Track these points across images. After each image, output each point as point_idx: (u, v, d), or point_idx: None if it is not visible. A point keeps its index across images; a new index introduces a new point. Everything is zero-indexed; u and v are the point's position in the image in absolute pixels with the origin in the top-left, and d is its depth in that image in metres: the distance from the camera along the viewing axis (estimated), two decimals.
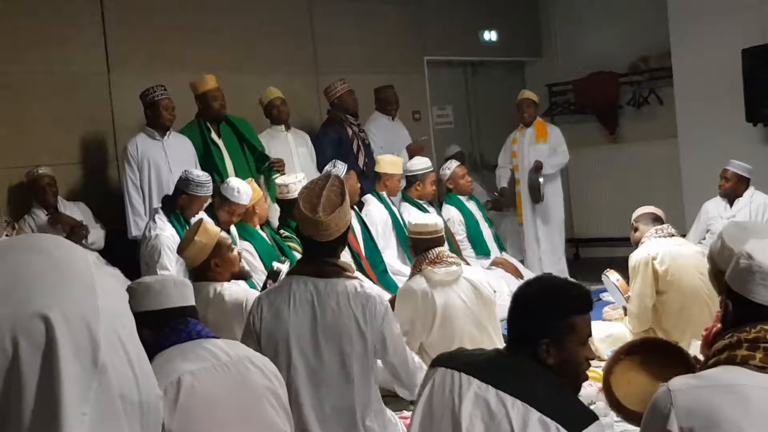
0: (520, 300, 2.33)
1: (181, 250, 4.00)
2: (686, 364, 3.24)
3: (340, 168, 5.87)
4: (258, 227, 5.34)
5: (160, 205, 5.19)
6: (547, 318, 2.23)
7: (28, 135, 5.90)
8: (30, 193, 5.75)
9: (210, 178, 5.13)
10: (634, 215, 4.83)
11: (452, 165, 7.00)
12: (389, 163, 6.42)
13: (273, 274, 4.27)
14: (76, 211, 5.84)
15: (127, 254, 5.64)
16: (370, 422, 3.09)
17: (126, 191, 5.73)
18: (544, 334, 2.20)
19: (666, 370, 3.35)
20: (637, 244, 4.69)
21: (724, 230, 3.62)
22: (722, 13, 7.44)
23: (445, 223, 6.61)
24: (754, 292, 2.03)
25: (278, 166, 6.05)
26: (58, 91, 6.06)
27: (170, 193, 5.38)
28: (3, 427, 1.31)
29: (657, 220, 4.75)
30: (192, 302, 2.60)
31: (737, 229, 3.59)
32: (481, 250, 6.73)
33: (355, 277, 3.25)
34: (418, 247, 4.24)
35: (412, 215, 6.03)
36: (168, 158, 5.73)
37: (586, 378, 2.29)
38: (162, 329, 2.43)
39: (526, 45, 9.84)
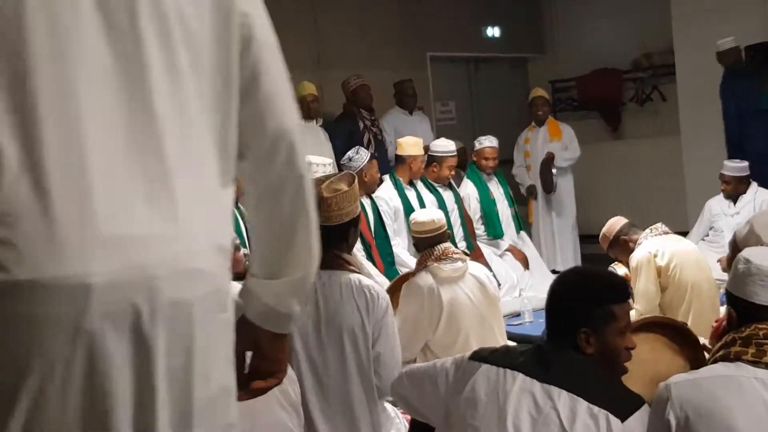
0: (558, 291, 2.34)
1: None
2: (691, 342, 3.26)
3: (363, 155, 5.81)
4: None
5: None
6: (585, 307, 2.24)
7: None
8: None
9: None
10: (614, 232, 4.72)
11: (485, 142, 6.81)
12: (412, 144, 6.26)
13: None
14: None
15: None
16: (371, 415, 3.10)
17: None
18: (582, 323, 2.22)
19: (668, 346, 3.38)
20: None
21: (754, 218, 3.66)
22: (725, 9, 7.44)
23: (461, 201, 6.59)
24: (756, 294, 2.09)
25: None
26: None
27: None
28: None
29: (634, 224, 4.75)
30: None
31: (767, 217, 3.63)
32: (493, 231, 6.61)
33: (359, 272, 3.25)
34: (421, 245, 4.22)
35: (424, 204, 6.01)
36: None
37: (626, 370, 2.31)
38: None
39: (529, 41, 9.84)
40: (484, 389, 2.21)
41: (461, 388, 2.26)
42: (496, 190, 6.79)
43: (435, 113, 8.92)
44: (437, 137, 8.55)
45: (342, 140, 6.65)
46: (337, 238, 3.15)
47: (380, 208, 6.00)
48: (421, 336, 4.06)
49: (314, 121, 6.65)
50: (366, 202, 5.90)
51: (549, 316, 2.35)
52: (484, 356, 2.30)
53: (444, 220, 4.24)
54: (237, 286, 4.05)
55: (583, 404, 2.08)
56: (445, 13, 8.74)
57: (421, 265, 4.13)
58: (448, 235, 4.25)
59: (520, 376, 2.17)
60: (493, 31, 9.34)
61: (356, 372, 3.06)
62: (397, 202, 6.18)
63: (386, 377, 3.11)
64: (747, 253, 2.17)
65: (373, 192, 5.96)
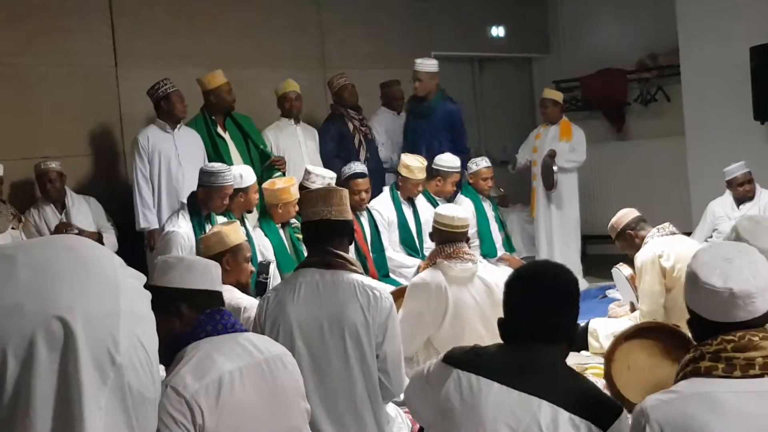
0: (537, 293, 2.23)
1: (202, 236, 4.10)
2: (685, 343, 3.26)
3: (353, 167, 5.85)
4: (279, 225, 5.35)
5: (186, 201, 5.17)
6: (573, 312, 2.24)
7: (35, 127, 5.91)
8: (37, 186, 5.73)
9: (227, 166, 5.13)
10: (622, 225, 4.75)
11: (482, 163, 6.78)
12: (407, 165, 6.17)
13: (262, 267, 4.53)
14: (85, 206, 5.80)
15: (135, 246, 5.65)
16: (375, 413, 3.10)
17: (136, 183, 5.71)
18: (569, 328, 2.21)
19: (665, 351, 3.39)
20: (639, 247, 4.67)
21: (738, 223, 3.67)
22: (730, 10, 7.42)
23: None
24: (709, 311, 1.96)
25: (279, 164, 6.03)
26: (65, 83, 6.06)
27: (178, 185, 5.41)
28: (16, 416, 1.34)
29: (643, 219, 4.76)
30: (221, 288, 2.56)
31: (751, 222, 3.65)
32: (487, 249, 6.61)
33: (361, 272, 3.25)
34: (440, 238, 4.20)
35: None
36: (178, 151, 5.72)
37: None
38: (199, 313, 2.37)
39: (533, 41, 9.83)
40: (458, 399, 2.14)
41: (438, 395, 2.20)
42: (489, 212, 6.78)
43: None
44: None
45: (333, 143, 6.57)
46: (342, 235, 3.17)
47: (376, 219, 5.99)
48: (422, 332, 4.05)
49: (291, 120, 6.51)
50: (363, 215, 5.89)
51: (521, 315, 2.23)
52: (456, 358, 2.22)
53: (467, 222, 4.25)
54: (238, 293, 4.06)
55: (564, 415, 2.03)
56: (449, 12, 8.73)
57: (431, 261, 4.12)
58: (466, 238, 4.24)
59: (495, 385, 2.10)
60: (498, 31, 9.32)
61: (359, 370, 3.06)
62: (392, 215, 6.17)
63: (395, 376, 3.11)
64: (695, 266, 1.99)
65: (361, 209, 5.88)
